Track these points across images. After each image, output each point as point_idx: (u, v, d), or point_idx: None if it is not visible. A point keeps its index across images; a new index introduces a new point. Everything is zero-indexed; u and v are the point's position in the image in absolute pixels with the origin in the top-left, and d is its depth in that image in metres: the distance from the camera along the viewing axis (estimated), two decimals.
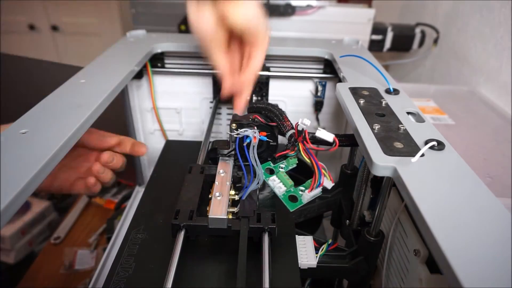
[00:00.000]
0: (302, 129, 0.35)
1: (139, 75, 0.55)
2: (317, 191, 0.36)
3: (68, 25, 1.70)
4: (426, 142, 0.30)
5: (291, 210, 0.35)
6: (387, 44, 0.94)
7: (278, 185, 0.36)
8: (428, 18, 1.01)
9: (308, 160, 0.36)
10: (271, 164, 0.37)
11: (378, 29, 0.91)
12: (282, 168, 0.38)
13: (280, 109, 0.39)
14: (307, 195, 0.35)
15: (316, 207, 0.48)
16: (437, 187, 0.25)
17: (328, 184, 0.36)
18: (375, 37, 0.92)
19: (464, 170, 0.28)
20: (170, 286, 0.28)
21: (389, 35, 0.93)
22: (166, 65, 0.58)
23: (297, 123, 0.36)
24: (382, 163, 0.28)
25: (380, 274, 0.39)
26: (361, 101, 0.38)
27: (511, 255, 0.20)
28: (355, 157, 0.47)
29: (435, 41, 0.94)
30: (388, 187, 0.34)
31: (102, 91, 0.38)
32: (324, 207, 0.50)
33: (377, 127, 0.33)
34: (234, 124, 0.38)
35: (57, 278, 0.77)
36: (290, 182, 0.36)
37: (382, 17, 0.97)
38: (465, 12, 0.85)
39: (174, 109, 0.63)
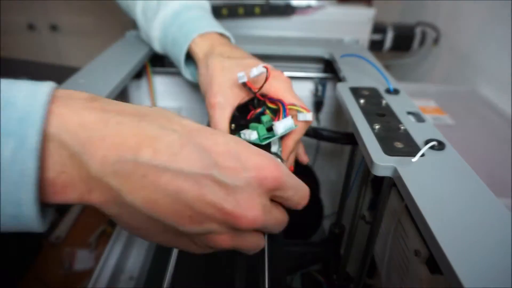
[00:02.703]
0: (244, 83, 0.35)
1: (138, 75, 0.55)
2: (288, 123, 0.33)
3: (68, 25, 1.70)
4: (427, 142, 0.30)
5: (264, 143, 0.32)
6: (387, 43, 0.94)
7: (248, 133, 0.33)
8: (428, 18, 1.00)
9: (275, 106, 0.35)
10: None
11: (378, 28, 0.91)
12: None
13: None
14: (278, 126, 0.32)
15: (307, 261, 0.53)
16: (438, 187, 0.25)
17: (306, 116, 0.34)
18: (375, 36, 0.92)
19: (464, 170, 0.28)
20: (167, 286, 0.28)
21: (389, 35, 0.93)
22: (166, 65, 0.58)
23: (248, 82, 0.35)
24: (382, 163, 0.28)
25: (380, 274, 0.39)
26: (361, 101, 0.38)
27: (511, 255, 0.20)
28: (355, 156, 0.47)
29: (436, 40, 0.94)
30: (388, 187, 0.34)
31: (102, 91, 0.38)
32: (315, 260, 0.54)
33: (377, 127, 0.33)
34: (233, 125, 0.38)
35: (57, 278, 0.77)
36: (259, 125, 0.33)
37: (382, 17, 0.97)
38: (465, 12, 0.85)
39: (174, 109, 0.63)
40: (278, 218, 0.23)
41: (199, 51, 0.42)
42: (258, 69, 0.33)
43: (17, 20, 1.69)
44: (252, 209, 0.20)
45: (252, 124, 0.34)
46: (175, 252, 0.30)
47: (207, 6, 0.50)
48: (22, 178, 0.17)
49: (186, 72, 0.46)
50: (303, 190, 0.23)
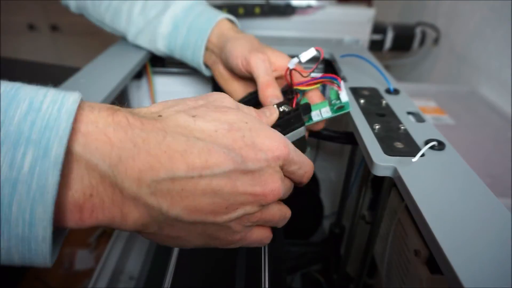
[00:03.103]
0: (290, 70, 0.35)
1: (139, 75, 0.55)
2: (343, 87, 0.34)
3: (68, 25, 1.70)
4: (427, 142, 0.30)
5: (350, 110, 0.34)
6: (387, 44, 0.94)
7: (323, 111, 0.34)
8: (428, 18, 1.00)
9: (315, 86, 0.35)
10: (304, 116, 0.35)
11: (378, 28, 0.91)
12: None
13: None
14: (343, 94, 0.34)
15: (307, 261, 0.53)
16: (438, 187, 0.25)
17: (344, 96, 0.34)
18: (375, 36, 0.92)
19: (464, 170, 0.28)
20: (167, 286, 0.28)
21: (389, 35, 0.93)
22: (166, 65, 0.58)
23: (287, 68, 0.35)
24: (383, 163, 0.28)
25: (380, 274, 0.39)
26: (361, 101, 0.38)
27: (511, 255, 0.20)
28: (355, 156, 0.47)
29: (436, 40, 0.94)
30: (388, 187, 0.34)
31: (102, 91, 0.38)
32: (315, 260, 0.54)
33: (377, 127, 0.33)
34: None
35: (57, 278, 0.77)
36: (323, 99, 0.35)
37: (382, 17, 0.97)
38: (465, 12, 0.85)
39: None
40: (288, 185, 0.26)
41: (226, 32, 0.44)
42: (309, 52, 0.33)
43: (18, 20, 1.70)
44: (275, 184, 0.23)
45: (315, 105, 0.35)
46: (175, 252, 0.30)
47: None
48: (40, 194, 0.16)
49: (203, 59, 0.46)
50: (308, 166, 0.27)
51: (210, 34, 0.44)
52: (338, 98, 0.34)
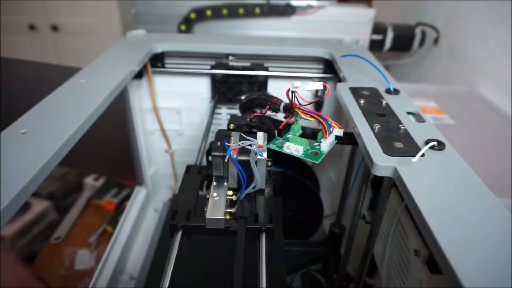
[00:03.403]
0: (293, 92, 0.35)
1: (139, 75, 0.55)
2: (332, 139, 0.35)
3: (68, 25, 1.70)
4: (427, 142, 0.30)
5: (317, 162, 0.34)
6: (387, 44, 0.94)
7: (295, 148, 0.35)
8: (428, 18, 1.01)
9: (311, 119, 0.36)
10: (279, 138, 0.37)
11: (378, 29, 0.91)
12: (289, 136, 0.37)
13: (267, 93, 0.40)
14: (324, 144, 0.35)
15: (307, 261, 0.52)
16: (438, 187, 0.25)
17: (339, 132, 0.35)
18: (375, 37, 0.92)
19: (464, 170, 0.28)
20: (167, 286, 0.28)
21: (389, 35, 0.93)
22: (166, 65, 0.58)
23: (288, 89, 0.35)
24: (383, 163, 0.28)
25: (380, 274, 0.39)
26: (361, 101, 0.38)
27: (511, 255, 0.20)
28: (355, 156, 0.47)
29: (435, 41, 0.94)
30: (388, 187, 0.34)
31: (102, 91, 0.38)
32: (315, 260, 0.54)
33: (377, 127, 0.33)
34: (232, 125, 0.38)
35: (57, 278, 0.77)
36: (304, 140, 0.36)
37: (382, 17, 0.97)
38: (465, 12, 0.85)
39: (174, 109, 0.63)
40: None
41: None
42: (316, 85, 0.34)
43: (18, 20, 1.70)
44: None
45: (292, 138, 0.36)
46: (175, 252, 0.30)
47: None
48: None
49: None
50: None
51: None
52: (319, 143, 0.35)
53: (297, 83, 0.34)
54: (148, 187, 0.67)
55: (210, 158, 0.36)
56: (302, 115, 0.36)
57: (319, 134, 0.36)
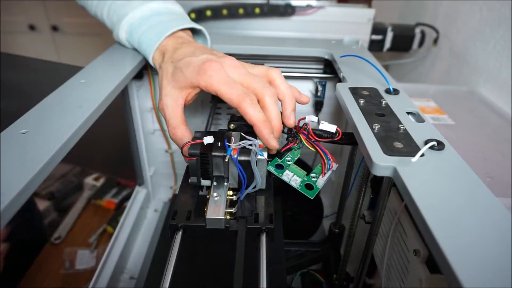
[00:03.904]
0: (305, 123, 0.36)
1: (139, 75, 0.55)
2: (329, 174, 0.36)
3: (68, 25, 1.70)
4: (426, 142, 0.30)
5: (312, 197, 0.35)
6: (387, 44, 0.94)
7: (293, 178, 0.37)
8: (428, 18, 1.01)
9: (312, 149, 0.37)
10: (278, 159, 0.37)
11: (378, 29, 0.91)
12: (288, 160, 0.38)
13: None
14: (321, 180, 0.36)
15: (307, 261, 0.53)
16: (437, 187, 0.25)
17: (334, 166, 0.37)
18: (375, 37, 0.92)
19: (464, 170, 0.28)
20: (167, 286, 0.28)
21: (389, 35, 0.93)
22: None
23: (302, 118, 0.37)
24: (382, 163, 0.28)
25: (380, 274, 0.40)
26: (361, 101, 0.38)
27: (511, 255, 0.20)
28: (355, 156, 0.47)
29: (435, 41, 0.94)
30: (388, 187, 0.34)
31: (102, 91, 0.38)
32: (315, 260, 0.54)
33: (377, 127, 0.33)
34: (232, 125, 0.38)
35: (57, 278, 0.77)
36: (303, 172, 0.37)
37: (382, 17, 0.97)
38: (464, 12, 0.85)
39: None
40: None
41: (156, 64, 0.45)
42: (330, 126, 0.36)
43: (18, 20, 1.70)
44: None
45: (292, 168, 0.37)
46: (173, 255, 0.30)
47: (177, 9, 0.51)
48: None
49: None
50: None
51: (154, 51, 0.45)
52: (317, 177, 0.36)
53: (313, 118, 0.36)
54: (148, 187, 0.67)
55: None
56: (305, 143, 0.37)
57: (317, 167, 0.37)
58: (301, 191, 0.36)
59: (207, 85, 0.37)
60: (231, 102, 0.36)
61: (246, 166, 0.34)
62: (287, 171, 0.37)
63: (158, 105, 0.40)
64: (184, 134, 0.38)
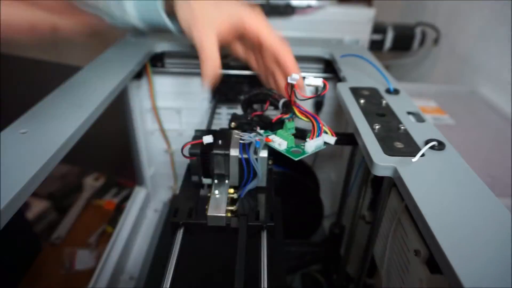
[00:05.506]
0: (292, 85, 0.34)
1: (139, 75, 0.55)
2: (319, 143, 0.34)
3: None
4: (427, 142, 0.30)
5: (296, 159, 0.33)
6: (387, 43, 0.94)
7: (279, 141, 0.34)
8: (428, 18, 1.00)
9: (306, 119, 0.35)
10: (270, 132, 0.36)
11: (378, 28, 0.91)
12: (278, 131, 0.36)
13: (268, 89, 0.40)
14: (309, 144, 0.33)
15: (307, 261, 0.53)
16: (438, 187, 0.25)
17: (331, 139, 0.34)
18: (375, 36, 0.91)
19: (464, 170, 0.28)
20: (168, 285, 0.28)
21: (389, 35, 0.93)
22: (166, 65, 0.58)
23: (286, 82, 0.34)
24: (383, 163, 0.28)
25: (380, 274, 0.39)
26: (361, 101, 0.38)
27: (511, 255, 0.20)
28: (355, 157, 0.47)
29: (436, 41, 0.94)
30: (388, 187, 0.34)
31: (102, 91, 0.38)
32: (315, 260, 0.54)
33: (377, 127, 0.33)
34: (233, 123, 0.38)
35: (57, 278, 0.77)
36: (290, 137, 0.35)
37: (382, 17, 0.97)
38: (465, 12, 0.85)
39: (174, 109, 0.63)
40: None
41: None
42: (316, 80, 0.33)
43: None
44: None
45: (280, 132, 0.35)
46: (175, 252, 0.30)
47: None
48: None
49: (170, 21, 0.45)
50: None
51: None
52: (306, 142, 0.34)
53: (295, 75, 0.33)
54: (148, 187, 0.67)
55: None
56: (297, 113, 0.35)
57: (308, 134, 0.35)
58: (286, 154, 0.34)
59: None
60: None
61: (246, 163, 0.34)
62: (272, 136, 0.35)
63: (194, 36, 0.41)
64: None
